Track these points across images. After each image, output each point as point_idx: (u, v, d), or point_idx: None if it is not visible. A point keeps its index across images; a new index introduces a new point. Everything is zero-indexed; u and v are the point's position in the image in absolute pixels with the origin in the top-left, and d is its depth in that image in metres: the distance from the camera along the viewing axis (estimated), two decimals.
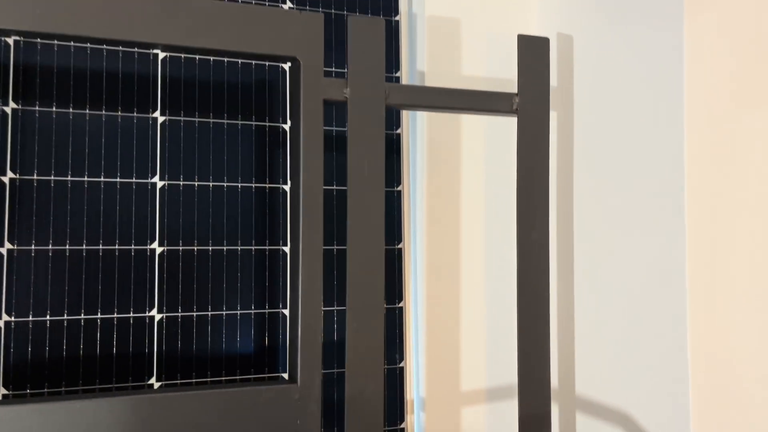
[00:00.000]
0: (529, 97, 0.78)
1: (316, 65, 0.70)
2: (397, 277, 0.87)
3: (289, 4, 0.84)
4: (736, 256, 0.66)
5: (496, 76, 0.94)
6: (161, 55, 0.79)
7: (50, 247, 0.73)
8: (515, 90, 0.87)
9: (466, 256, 0.92)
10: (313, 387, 0.68)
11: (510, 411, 0.92)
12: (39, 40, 0.74)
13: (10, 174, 0.72)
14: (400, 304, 0.87)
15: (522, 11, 0.97)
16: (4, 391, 0.70)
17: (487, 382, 0.93)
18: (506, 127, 0.94)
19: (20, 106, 0.73)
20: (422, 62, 0.91)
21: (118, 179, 0.76)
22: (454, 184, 0.92)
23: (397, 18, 0.90)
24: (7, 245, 0.71)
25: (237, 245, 0.80)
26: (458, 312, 0.91)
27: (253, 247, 0.81)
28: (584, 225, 0.85)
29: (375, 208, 0.72)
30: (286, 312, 0.81)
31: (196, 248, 0.78)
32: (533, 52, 0.79)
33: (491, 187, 0.94)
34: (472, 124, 0.93)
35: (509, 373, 0.93)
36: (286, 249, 0.82)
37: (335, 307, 0.84)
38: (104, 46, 0.77)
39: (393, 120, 0.88)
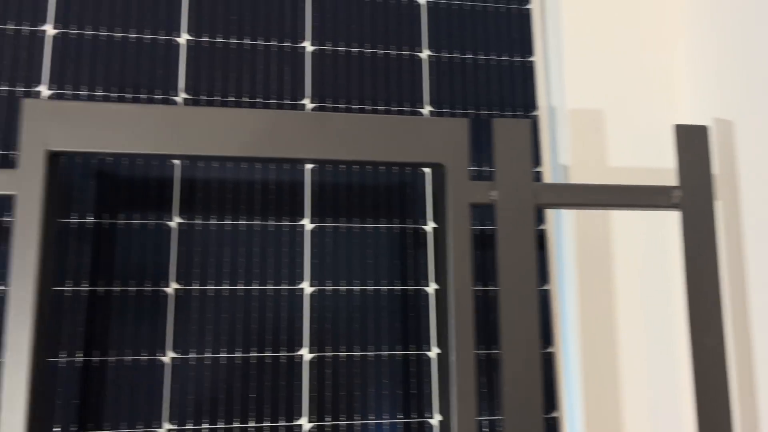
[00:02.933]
0: (691, 189, 0.73)
1: (461, 169, 0.70)
2: (551, 385, 0.81)
3: (428, 108, 0.86)
4: None
5: (645, 165, 0.89)
6: (308, 165, 0.82)
7: (208, 355, 0.75)
8: (670, 182, 0.81)
9: (624, 360, 0.85)
10: None
11: None
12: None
13: (173, 284, 0.76)
14: (555, 414, 0.80)
15: (668, 98, 0.92)
16: None
17: None
18: (661, 220, 0.88)
19: (184, 220, 0.78)
20: (565, 156, 0.89)
21: (268, 287, 0.78)
22: (607, 282, 0.86)
23: (536, 113, 0.88)
24: (170, 354, 0.74)
25: (383, 350, 0.79)
26: (619, 425, 0.83)
27: (398, 352, 0.79)
28: (764, 327, 0.75)
29: (528, 310, 0.68)
30: (433, 422, 0.78)
31: (343, 354, 0.78)
32: (692, 142, 0.74)
33: (648, 284, 0.87)
34: (623, 217, 0.88)
35: None
36: (431, 354, 0.79)
37: (488, 417, 0.79)
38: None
39: (538, 216, 0.85)
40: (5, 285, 0.68)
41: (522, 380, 0.67)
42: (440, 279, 0.69)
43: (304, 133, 0.68)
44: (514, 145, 0.71)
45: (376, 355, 0.79)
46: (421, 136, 0.69)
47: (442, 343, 0.67)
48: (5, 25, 0.78)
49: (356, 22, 0.87)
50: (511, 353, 0.67)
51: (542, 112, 0.90)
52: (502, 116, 0.87)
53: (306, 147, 0.67)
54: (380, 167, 0.84)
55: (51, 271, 0.62)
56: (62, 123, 0.61)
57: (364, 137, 0.69)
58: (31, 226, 0.59)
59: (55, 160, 0.63)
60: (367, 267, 0.81)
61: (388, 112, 0.85)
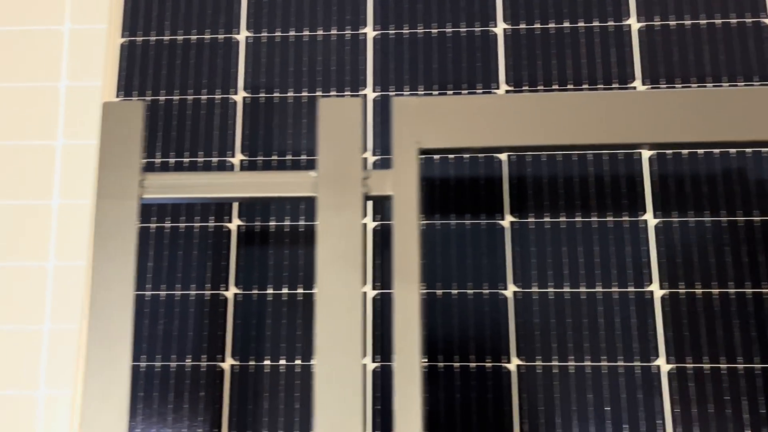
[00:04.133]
0: None
1: None
2: None
3: None
4: None
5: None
6: (646, 153, 0.74)
7: (555, 363, 0.70)
8: None
9: None
10: None
11: None
12: (528, 153, 0.74)
13: (511, 287, 0.72)
14: None
15: None
16: None
17: None
18: None
19: (517, 219, 0.73)
20: None
21: (613, 289, 0.71)
22: None
23: None
24: (516, 359, 0.70)
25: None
26: None
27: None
28: None
29: None
30: None
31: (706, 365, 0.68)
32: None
33: None
34: None
35: None
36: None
37: None
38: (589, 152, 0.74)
39: None
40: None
41: None
42: None
43: (640, 117, 0.59)
44: None
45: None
46: None
47: None
48: (329, 30, 0.79)
49: None
50: None
51: None
52: None
53: (641, 131, 0.59)
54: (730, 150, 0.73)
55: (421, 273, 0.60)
56: (432, 120, 0.59)
57: (716, 115, 0.59)
58: (409, 227, 0.57)
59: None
60: (725, 266, 0.70)
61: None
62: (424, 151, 0.59)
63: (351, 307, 0.56)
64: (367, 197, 0.59)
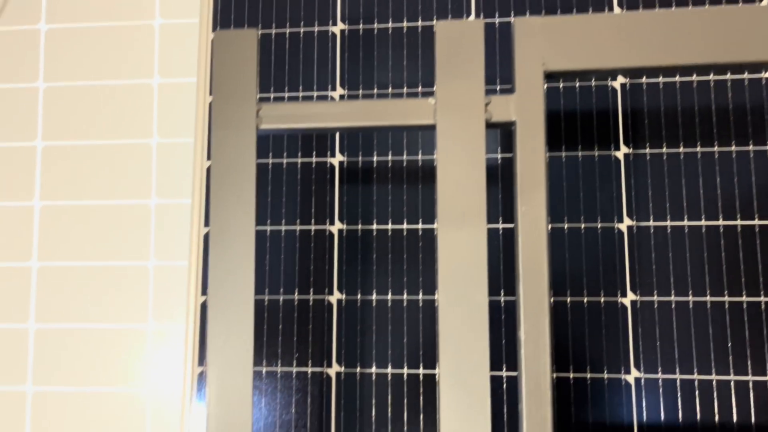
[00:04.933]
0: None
1: None
2: None
3: None
4: None
5: None
6: None
7: (673, 298, 0.67)
8: None
9: None
10: None
11: None
12: (644, 79, 0.70)
13: (627, 220, 0.69)
14: None
15: None
16: None
17: None
18: None
19: (631, 150, 0.70)
20: None
21: (739, 221, 0.67)
22: None
23: None
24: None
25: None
26: None
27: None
28: None
29: None
30: None
31: None
32: None
33: None
34: None
35: None
36: None
37: None
38: (711, 76, 0.70)
39: None
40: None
41: None
42: None
43: None
44: None
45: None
46: None
47: None
48: None
49: None
50: None
51: None
52: None
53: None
54: None
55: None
56: (557, 40, 0.56)
57: None
58: (535, 155, 0.55)
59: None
60: None
61: None
62: (549, 75, 0.56)
63: (476, 243, 0.54)
64: (489, 124, 0.56)
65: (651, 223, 0.68)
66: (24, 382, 0.78)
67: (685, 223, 0.68)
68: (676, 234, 0.68)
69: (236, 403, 0.54)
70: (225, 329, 0.56)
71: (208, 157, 0.75)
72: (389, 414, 0.68)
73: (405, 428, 0.68)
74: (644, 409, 0.65)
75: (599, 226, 0.69)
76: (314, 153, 0.74)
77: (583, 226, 0.69)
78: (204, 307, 0.72)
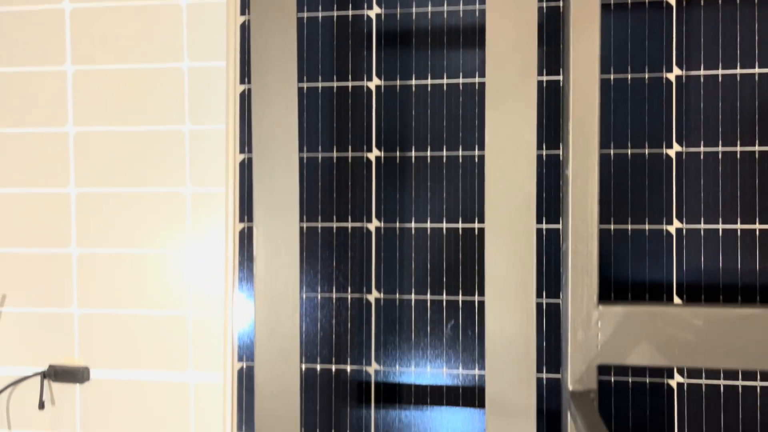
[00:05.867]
0: None
1: None
2: None
3: None
4: None
5: None
6: None
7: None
8: None
9: None
10: None
11: None
12: None
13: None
14: None
15: None
16: None
17: None
18: None
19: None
20: None
21: None
22: None
23: None
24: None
25: None
26: None
27: None
28: None
29: None
30: None
31: None
32: None
33: None
34: None
35: None
36: None
37: None
38: None
39: None
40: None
41: None
42: None
43: None
44: None
45: None
46: None
47: None
48: None
49: None
50: None
51: None
52: None
53: None
54: None
55: None
56: None
57: None
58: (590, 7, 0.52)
59: None
60: None
61: None
62: None
63: (527, 92, 0.53)
64: None
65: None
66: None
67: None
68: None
69: (285, 255, 0.57)
70: (269, 186, 0.57)
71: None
72: (428, 267, 0.71)
73: (444, 278, 0.71)
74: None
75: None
76: (350, 5, 0.71)
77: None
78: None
